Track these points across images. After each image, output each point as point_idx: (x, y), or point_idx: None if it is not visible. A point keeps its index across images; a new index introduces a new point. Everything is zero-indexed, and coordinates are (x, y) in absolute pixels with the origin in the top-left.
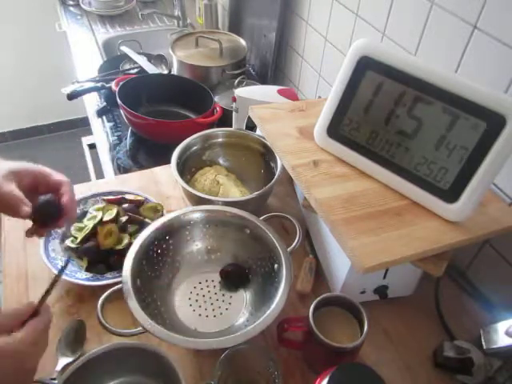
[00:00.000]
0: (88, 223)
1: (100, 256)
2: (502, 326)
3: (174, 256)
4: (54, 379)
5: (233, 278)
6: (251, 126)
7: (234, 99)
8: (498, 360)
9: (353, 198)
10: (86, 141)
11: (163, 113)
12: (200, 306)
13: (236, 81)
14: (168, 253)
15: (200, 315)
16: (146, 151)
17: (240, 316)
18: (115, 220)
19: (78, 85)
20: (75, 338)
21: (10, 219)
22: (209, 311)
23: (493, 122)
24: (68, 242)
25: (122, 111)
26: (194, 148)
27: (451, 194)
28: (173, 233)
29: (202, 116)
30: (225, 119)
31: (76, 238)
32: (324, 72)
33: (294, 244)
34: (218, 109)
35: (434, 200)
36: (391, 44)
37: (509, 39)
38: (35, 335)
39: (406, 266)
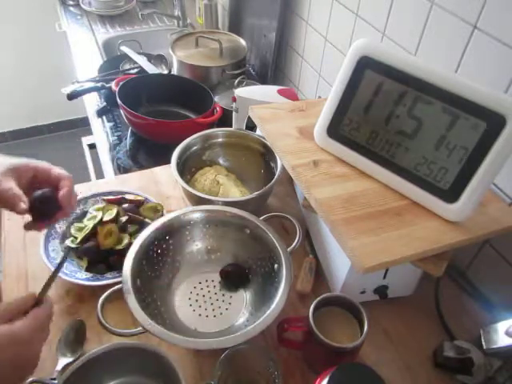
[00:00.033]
0: (88, 223)
1: (100, 256)
2: (501, 326)
3: (174, 256)
4: (54, 379)
5: (233, 278)
6: (251, 126)
7: (234, 99)
8: (498, 360)
9: (353, 198)
10: (85, 141)
11: (163, 113)
12: (200, 306)
13: (236, 81)
14: (168, 253)
15: (200, 315)
16: (146, 151)
17: (240, 316)
18: (115, 220)
19: (77, 85)
20: (75, 338)
21: (10, 219)
22: (209, 311)
23: (493, 122)
24: (68, 242)
25: (121, 111)
26: (194, 148)
27: (451, 194)
28: (173, 233)
29: (202, 116)
30: (225, 119)
31: (76, 237)
32: (324, 72)
33: (294, 244)
34: (217, 109)
35: (434, 200)
36: (391, 44)
37: (509, 39)
38: (37, 323)
39: (405, 266)
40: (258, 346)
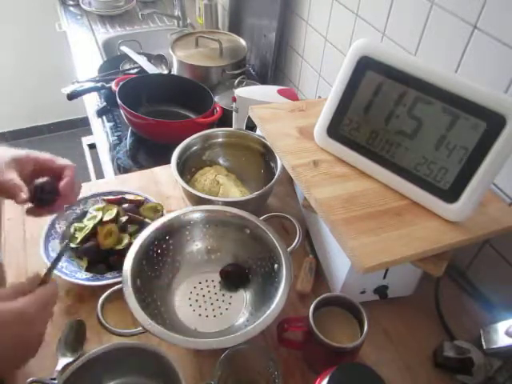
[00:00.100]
0: (88, 223)
1: (100, 256)
2: (501, 326)
3: (174, 256)
4: (54, 379)
5: (233, 278)
6: (251, 126)
7: (234, 99)
8: (498, 360)
9: (353, 198)
10: (85, 141)
11: (163, 113)
12: (200, 306)
13: (236, 81)
14: (168, 253)
15: (200, 315)
16: (146, 151)
17: (240, 316)
18: (115, 220)
19: (78, 85)
20: (75, 338)
21: (10, 219)
22: (209, 311)
23: (493, 122)
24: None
25: (122, 111)
26: (194, 148)
27: (451, 194)
28: (173, 233)
29: (202, 116)
30: (225, 119)
31: (76, 237)
32: (324, 72)
33: (294, 244)
34: (217, 109)
35: (434, 200)
36: (391, 44)
37: (509, 39)
38: (42, 300)
39: (405, 266)
40: (258, 346)
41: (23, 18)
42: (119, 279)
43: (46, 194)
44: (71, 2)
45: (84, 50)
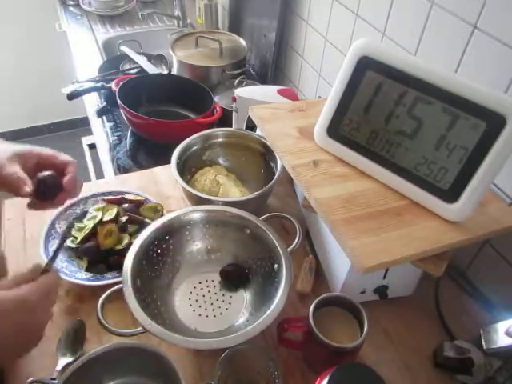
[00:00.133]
0: (88, 223)
1: (100, 256)
2: (501, 326)
3: (174, 256)
4: (54, 379)
5: (233, 278)
6: (251, 126)
7: (234, 99)
8: (498, 360)
9: (353, 198)
10: (85, 141)
11: (163, 113)
12: (200, 306)
13: (236, 81)
14: (168, 253)
15: (200, 315)
16: (146, 151)
17: (240, 316)
18: (115, 220)
19: (78, 85)
20: (75, 338)
21: (10, 219)
22: (209, 311)
23: (493, 122)
24: (68, 242)
25: (122, 111)
26: (194, 148)
27: (451, 194)
28: (173, 233)
29: (202, 116)
30: (225, 119)
31: (76, 237)
32: (324, 72)
33: (294, 244)
34: (217, 109)
35: (434, 200)
36: (391, 44)
37: (509, 39)
38: (44, 288)
39: (405, 266)
40: (258, 346)
41: (23, 18)
42: (119, 279)
43: (49, 187)
44: (71, 2)
45: (84, 50)
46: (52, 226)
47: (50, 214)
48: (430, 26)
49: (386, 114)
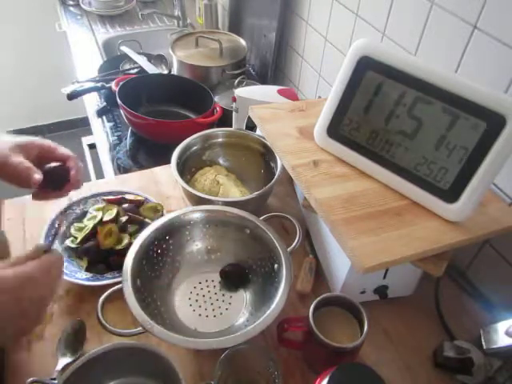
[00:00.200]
0: (88, 223)
1: (100, 256)
2: (501, 326)
3: (174, 256)
4: (54, 379)
5: (233, 278)
6: (251, 126)
7: (234, 99)
8: (498, 360)
9: (353, 198)
10: (85, 141)
11: (163, 113)
12: (200, 306)
13: (236, 81)
14: (168, 253)
15: (200, 315)
16: (146, 151)
17: (240, 316)
18: (115, 220)
19: (78, 85)
20: (75, 338)
21: (10, 219)
22: (209, 311)
23: (493, 122)
24: (68, 242)
25: (122, 111)
26: (194, 148)
27: (451, 194)
28: (173, 233)
29: (202, 116)
30: (225, 119)
31: (76, 237)
32: (324, 72)
33: (294, 244)
34: (217, 109)
35: (434, 200)
36: (391, 44)
37: (509, 39)
38: (47, 265)
39: (405, 266)
40: (258, 346)
41: (23, 18)
42: (119, 279)
43: (57, 178)
44: (71, 2)
45: (84, 49)
46: (52, 226)
47: (50, 214)
48: (430, 26)
49: (386, 113)
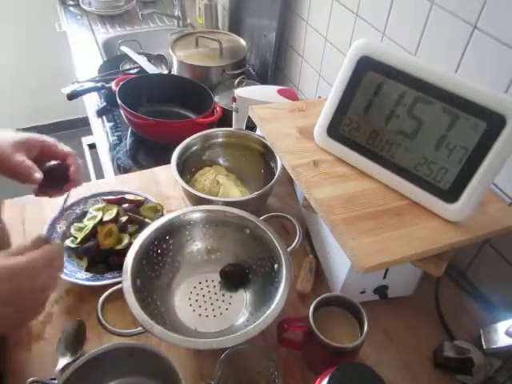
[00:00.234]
0: (88, 223)
1: (100, 256)
2: (501, 326)
3: (174, 256)
4: (54, 379)
5: (233, 278)
6: (251, 126)
7: (234, 99)
8: (498, 360)
9: (353, 198)
10: (85, 141)
11: (163, 113)
12: (200, 306)
13: (236, 81)
14: (168, 253)
15: (200, 315)
16: (146, 151)
17: (240, 316)
18: (115, 220)
19: (78, 85)
20: (75, 338)
21: (10, 219)
22: (209, 311)
23: (493, 122)
24: (68, 242)
25: (121, 111)
26: (194, 148)
27: (451, 194)
28: (173, 233)
29: (202, 116)
30: (225, 119)
31: (76, 237)
32: (324, 72)
33: (294, 244)
34: (217, 109)
35: (434, 200)
36: (391, 44)
37: (509, 39)
38: (48, 254)
39: (406, 266)
40: (258, 346)
41: (23, 18)
42: (119, 279)
43: (57, 176)
44: (71, 2)
45: (84, 49)
46: (52, 226)
47: (50, 213)
48: (430, 26)
49: (386, 114)
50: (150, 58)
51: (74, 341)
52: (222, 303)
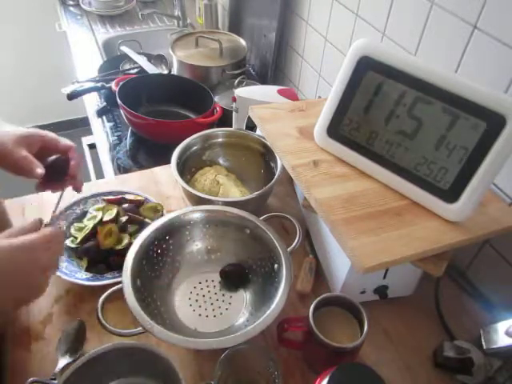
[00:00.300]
0: (88, 223)
1: (100, 256)
2: (501, 326)
3: (174, 256)
4: (54, 379)
5: (233, 278)
6: (251, 126)
7: (234, 99)
8: (498, 360)
9: (353, 198)
10: (85, 141)
11: (163, 113)
12: (200, 306)
13: (236, 81)
14: (168, 253)
15: (200, 315)
16: (146, 151)
17: (240, 316)
18: (115, 220)
19: (78, 85)
20: (75, 338)
21: (10, 219)
22: (209, 311)
23: (493, 122)
24: (68, 242)
25: (121, 111)
26: (194, 148)
27: (451, 194)
28: (173, 233)
29: (202, 116)
30: (225, 119)
31: (76, 237)
32: (324, 72)
33: (294, 244)
34: (217, 109)
35: (434, 200)
36: (391, 44)
37: (509, 39)
38: (49, 236)
39: (406, 266)
40: (258, 346)
41: (23, 18)
42: (119, 279)
43: (58, 171)
44: (71, 2)
45: (84, 49)
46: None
47: (50, 213)
48: (430, 26)
49: (385, 114)
50: (150, 58)
51: (74, 341)
52: (222, 303)
